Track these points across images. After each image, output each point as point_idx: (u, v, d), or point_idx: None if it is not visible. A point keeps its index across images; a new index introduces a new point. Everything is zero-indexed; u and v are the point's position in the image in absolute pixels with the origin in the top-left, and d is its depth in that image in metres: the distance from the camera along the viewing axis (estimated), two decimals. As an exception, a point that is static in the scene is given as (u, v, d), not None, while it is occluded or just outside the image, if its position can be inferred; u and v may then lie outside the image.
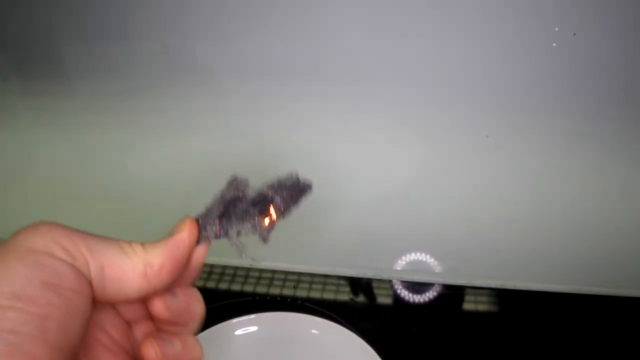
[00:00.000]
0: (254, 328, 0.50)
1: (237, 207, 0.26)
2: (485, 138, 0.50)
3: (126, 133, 0.57)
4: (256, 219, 0.26)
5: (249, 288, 0.60)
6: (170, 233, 0.24)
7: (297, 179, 0.27)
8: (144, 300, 0.24)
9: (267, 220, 0.26)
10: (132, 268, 0.22)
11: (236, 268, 0.62)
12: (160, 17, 0.48)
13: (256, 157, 0.56)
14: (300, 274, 0.61)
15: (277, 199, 0.26)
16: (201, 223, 0.25)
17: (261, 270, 0.62)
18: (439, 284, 0.60)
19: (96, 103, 0.55)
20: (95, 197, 0.63)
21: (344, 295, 0.59)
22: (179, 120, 0.55)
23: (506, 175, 0.53)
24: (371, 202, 0.57)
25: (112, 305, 0.25)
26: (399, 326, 0.55)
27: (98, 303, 0.22)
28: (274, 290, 0.59)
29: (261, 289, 0.59)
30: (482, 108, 0.49)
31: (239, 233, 0.26)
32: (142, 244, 0.23)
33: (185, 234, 0.24)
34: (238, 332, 0.50)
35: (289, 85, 0.50)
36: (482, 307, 0.58)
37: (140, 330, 0.26)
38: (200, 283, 0.61)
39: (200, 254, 0.25)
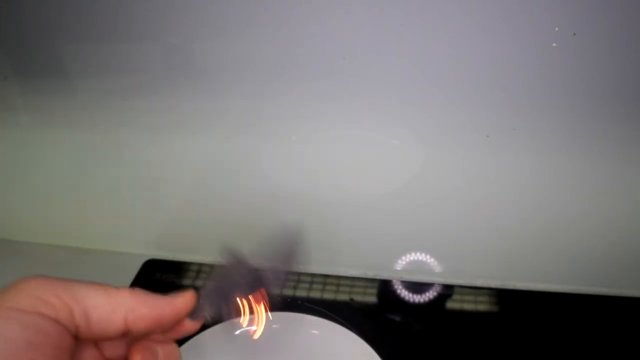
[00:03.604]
0: (254, 328, 0.50)
1: (233, 288, 0.28)
2: (485, 138, 0.50)
3: (126, 133, 0.57)
4: (249, 303, 0.28)
5: (249, 288, 0.60)
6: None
7: (295, 246, 0.29)
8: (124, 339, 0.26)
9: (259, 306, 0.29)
10: (113, 310, 0.23)
11: (236, 268, 0.62)
12: (161, 17, 0.48)
13: (256, 158, 0.56)
14: (300, 274, 0.61)
15: (273, 282, 0.29)
16: (201, 299, 0.27)
17: (261, 270, 0.62)
18: (439, 284, 0.60)
19: (96, 103, 0.55)
20: (95, 197, 0.63)
21: (344, 295, 0.59)
22: (179, 120, 0.55)
23: (506, 176, 0.53)
24: (371, 202, 0.57)
25: (95, 343, 0.26)
26: (399, 326, 0.55)
27: (82, 341, 0.23)
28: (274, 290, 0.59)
29: (261, 289, 0.59)
30: (482, 108, 0.49)
31: (230, 315, 0.28)
32: (132, 289, 0.24)
33: (180, 300, 0.26)
34: (238, 332, 0.50)
35: (289, 86, 0.50)
36: (482, 307, 0.58)
37: None
38: (201, 283, 0.61)
39: (192, 327, 0.27)
